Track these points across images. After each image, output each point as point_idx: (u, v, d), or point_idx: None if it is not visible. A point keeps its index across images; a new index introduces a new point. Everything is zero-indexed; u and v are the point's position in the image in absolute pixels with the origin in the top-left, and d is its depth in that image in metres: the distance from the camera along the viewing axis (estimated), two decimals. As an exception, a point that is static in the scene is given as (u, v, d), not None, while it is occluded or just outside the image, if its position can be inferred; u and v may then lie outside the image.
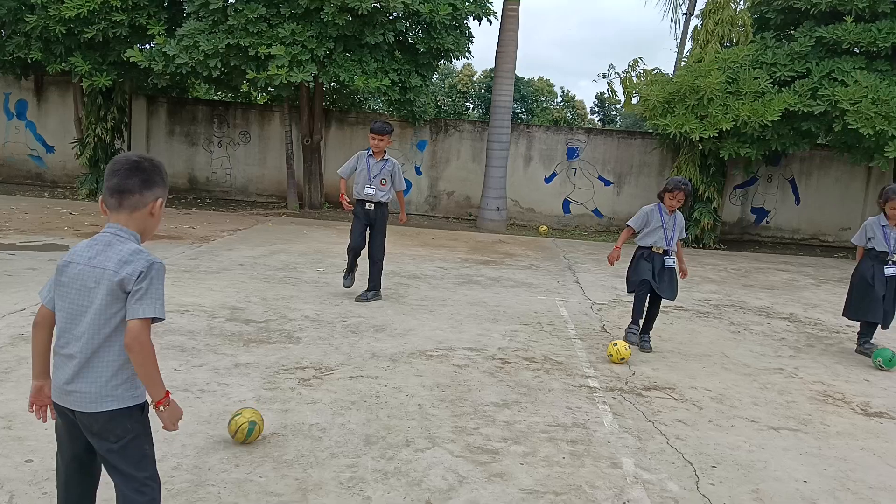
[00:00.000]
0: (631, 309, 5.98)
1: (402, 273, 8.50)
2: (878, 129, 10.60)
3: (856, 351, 6.22)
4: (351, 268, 7.20)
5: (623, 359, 5.42)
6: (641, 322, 5.93)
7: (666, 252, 5.84)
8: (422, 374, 4.89)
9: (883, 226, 6.02)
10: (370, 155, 6.99)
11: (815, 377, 5.45)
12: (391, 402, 4.32)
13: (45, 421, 2.37)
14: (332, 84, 13.69)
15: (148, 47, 12.11)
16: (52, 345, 2.29)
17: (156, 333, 5.28)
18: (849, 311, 6.26)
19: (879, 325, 6.15)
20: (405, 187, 7.23)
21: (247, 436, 3.57)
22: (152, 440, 2.37)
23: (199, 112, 15.58)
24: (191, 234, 10.35)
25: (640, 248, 5.96)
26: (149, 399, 2.29)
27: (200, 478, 3.24)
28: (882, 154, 10.95)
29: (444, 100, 44.75)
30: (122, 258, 2.20)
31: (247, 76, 11.58)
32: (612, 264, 6.02)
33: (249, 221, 12.36)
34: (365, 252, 7.06)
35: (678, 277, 5.96)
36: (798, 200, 14.77)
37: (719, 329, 6.81)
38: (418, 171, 15.50)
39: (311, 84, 13.45)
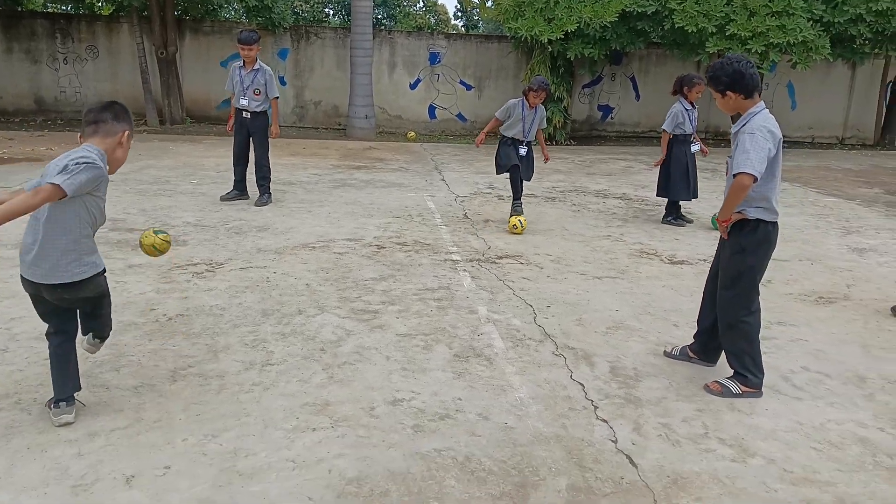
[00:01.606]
0: (510, 188, 7.11)
1: (277, 181, 8.84)
2: (699, 26, 11.87)
3: (664, 222, 7.34)
4: (238, 181, 7.52)
5: (517, 227, 6.56)
6: (521, 197, 7.01)
7: (521, 142, 6.71)
8: (306, 261, 5.51)
9: (686, 110, 7.09)
10: (241, 66, 7.17)
11: (635, 239, 6.60)
12: (281, 285, 4.93)
13: None
14: (184, -8, 13.21)
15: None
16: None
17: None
18: (669, 192, 7.28)
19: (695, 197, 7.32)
20: (278, 94, 7.37)
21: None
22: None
23: (39, 26, 14.48)
24: (50, 155, 10.04)
25: (503, 136, 6.80)
26: None
27: (119, 351, 3.75)
28: (704, 49, 12.30)
29: (301, 5, 43.00)
30: (70, 154, 2.71)
31: (90, -14, 10.99)
32: (479, 146, 7.02)
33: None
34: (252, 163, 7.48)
35: (534, 162, 6.95)
36: (638, 97, 16.21)
37: (562, 210, 7.86)
38: (282, 81, 15.40)
39: (161, -8, 12.91)
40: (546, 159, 7.19)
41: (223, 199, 7.48)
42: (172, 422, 3.06)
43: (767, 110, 3.42)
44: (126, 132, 2.88)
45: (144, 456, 2.79)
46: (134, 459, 2.76)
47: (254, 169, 7.43)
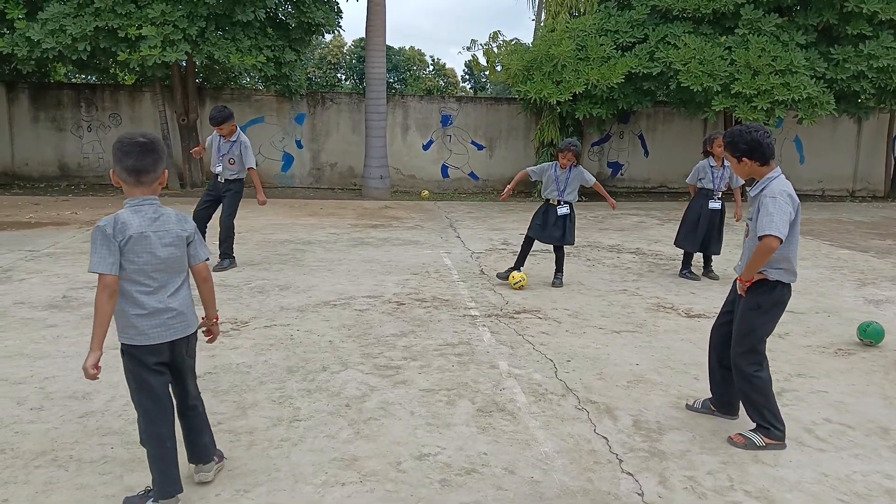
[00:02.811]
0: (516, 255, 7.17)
1: (296, 241, 9.08)
2: (705, 85, 12.19)
3: (679, 275, 7.45)
4: None
5: (519, 283, 6.62)
6: (521, 266, 7.03)
7: (559, 203, 6.81)
8: (328, 319, 5.61)
9: (711, 166, 7.26)
10: (221, 136, 7.33)
11: (651, 294, 6.67)
12: (305, 342, 5.03)
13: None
14: (205, 61, 13.77)
15: (7, 32, 11.67)
16: (137, 300, 2.73)
17: (71, 307, 5.69)
18: (677, 240, 7.51)
19: (712, 254, 7.37)
20: (254, 165, 7.43)
21: None
22: None
23: (65, 96, 15.09)
24: (76, 220, 10.35)
25: (545, 200, 6.91)
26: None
27: (152, 409, 3.83)
28: (710, 107, 12.59)
29: (315, 71, 44.36)
30: (177, 220, 2.86)
31: (118, 58, 11.51)
32: (504, 199, 6.99)
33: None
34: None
35: (571, 224, 6.90)
36: (647, 153, 16.50)
37: (577, 264, 7.96)
38: (299, 145, 15.86)
39: (184, 63, 13.46)
40: (612, 206, 7.34)
41: None
42: (205, 477, 3.12)
43: (783, 176, 3.56)
44: (166, 171, 2.85)
45: (180, 511, 2.84)
46: (170, 514, 2.81)
47: (218, 230, 7.39)
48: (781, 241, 3.35)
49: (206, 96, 15.49)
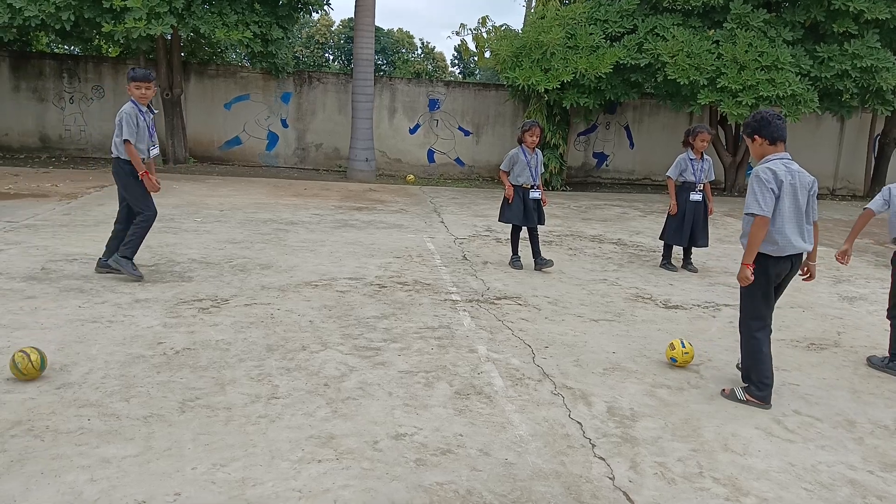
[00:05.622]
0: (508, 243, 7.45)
1: (279, 220, 9.05)
2: (691, 78, 12.24)
3: (659, 266, 7.54)
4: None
5: (687, 355, 4.57)
6: (520, 252, 7.24)
7: (533, 187, 6.92)
8: (309, 299, 5.62)
9: (691, 159, 7.32)
10: (141, 112, 5.75)
11: (631, 284, 6.74)
12: (285, 321, 5.03)
13: None
14: (191, 35, 13.58)
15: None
16: None
17: (49, 279, 5.64)
18: (665, 235, 7.53)
19: (701, 247, 7.48)
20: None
21: (41, 365, 3.77)
22: None
23: (47, 67, 14.81)
24: (56, 192, 10.23)
25: (514, 185, 6.96)
26: None
27: (129, 382, 3.84)
28: (696, 101, 12.66)
29: (302, 50, 43.94)
30: None
31: (102, 29, 11.32)
32: (511, 201, 6.92)
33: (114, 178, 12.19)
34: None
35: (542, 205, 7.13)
36: (632, 145, 16.57)
37: (559, 253, 8.02)
38: (284, 124, 15.73)
39: (169, 36, 13.27)
40: (545, 203, 7.33)
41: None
42: (182, 451, 3.14)
43: (785, 160, 3.90)
44: None
45: (155, 483, 2.86)
46: (145, 486, 2.83)
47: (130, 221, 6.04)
48: (765, 218, 3.74)
49: (191, 71, 15.30)
